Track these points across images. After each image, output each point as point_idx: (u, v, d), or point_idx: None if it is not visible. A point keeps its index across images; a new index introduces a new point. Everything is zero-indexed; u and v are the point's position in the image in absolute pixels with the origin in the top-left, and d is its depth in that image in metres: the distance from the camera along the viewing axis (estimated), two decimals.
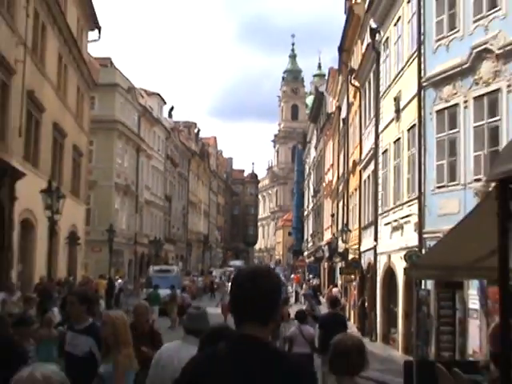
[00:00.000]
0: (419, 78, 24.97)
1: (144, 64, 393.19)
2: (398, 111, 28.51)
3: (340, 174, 51.79)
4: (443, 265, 13.00)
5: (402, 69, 28.28)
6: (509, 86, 19.78)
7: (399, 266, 26.84)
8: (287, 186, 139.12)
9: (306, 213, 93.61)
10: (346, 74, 47.93)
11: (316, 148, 77.58)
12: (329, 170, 62.41)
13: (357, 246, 40.05)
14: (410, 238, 25.87)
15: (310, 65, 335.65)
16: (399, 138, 28.64)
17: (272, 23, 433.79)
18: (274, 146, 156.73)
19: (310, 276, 70.89)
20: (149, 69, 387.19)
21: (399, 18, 29.25)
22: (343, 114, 50.08)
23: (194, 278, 63.34)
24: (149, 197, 72.30)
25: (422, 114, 24.75)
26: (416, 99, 25.39)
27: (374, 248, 33.32)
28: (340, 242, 48.57)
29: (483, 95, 21.16)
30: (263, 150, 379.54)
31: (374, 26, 34.02)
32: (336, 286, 49.55)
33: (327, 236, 62.05)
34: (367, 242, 36.38)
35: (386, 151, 31.49)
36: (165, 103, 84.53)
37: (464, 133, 22.14)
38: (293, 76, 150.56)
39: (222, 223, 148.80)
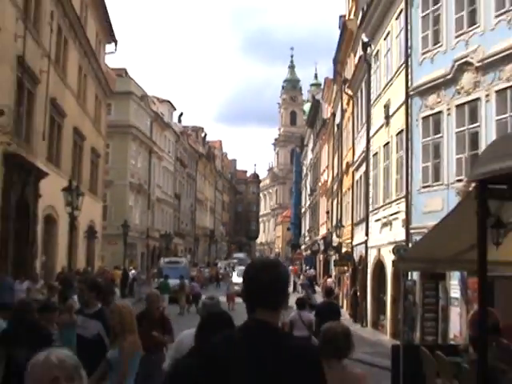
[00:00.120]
0: (406, 87, 25.00)
1: (156, 73, 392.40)
2: (387, 117, 28.52)
3: (334, 175, 51.66)
4: (428, 258, 13.06)
5: (391, 79, 28.31)
6: (487, 95, 19.84)
7: (388, 258, 26.91)
8: (286, 186, 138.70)
9: (303, 210, 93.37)
10: (340, 84, 47.86)
11: (313, 151, 77.38)
12: (324, 170, 62.26)
13: (349, 241, 40.01)
14: (398, 233, 25.92)
15: (308, 75, 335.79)
16: (388, 142, 28.66)
17: (273, 37, 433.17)
18: (275, 149, 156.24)
19: (307, 267, 70.80)
20: (160, 78, 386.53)
21: (388, 33, 29.26)
22: (337, 120, 49.97)
23: (201, 269, 63.21)
24: (160, 195, 72.19)
25: (409, 120, 24.77)
26: (404, 107, 25.41)
27: (365, 242, 33.32)
28: (334, 237, 48.45)
29: (464, 103, 21.23)
30: (264, 152, 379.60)
31: (365, 40, 34.02)
32: (330, 276, 49.54)
33: (322, 231, 61.93)
34: (359, 236, 36.37)
35: (376, 154, 31.47)
36: (175, 109, 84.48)
37: (447, 138, 22.20)
38: (291, 85, 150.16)
39: (227, 219, 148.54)
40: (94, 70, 41.02)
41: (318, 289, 47.12)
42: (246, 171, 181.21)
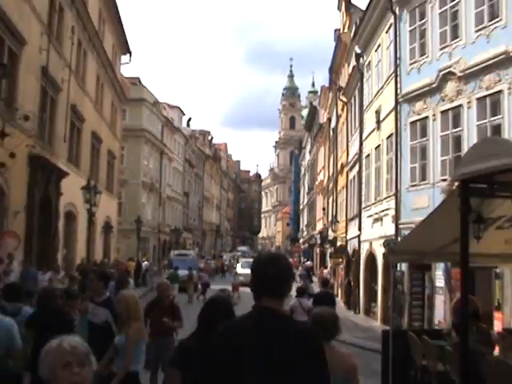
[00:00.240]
0: (396, 94, 25.03)
1: (167, 82, 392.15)
2: (378, 122, 28.53)
3: (330, 175, 51.63)
4: (415, 250, 13.11)
5: (382, 87, 28.35)
6: (469, 102, 19.88)
7: (379, 251, 26.99)
8: (286, 185, 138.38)
9: (301, 207, 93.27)
10: (335, 91, 47.81)
11: (310, 152, 77.30)
12: (321, 171, 62.19)
13: (344, 235, 40.01)
14: (388, 228, 25.96)
15: (305, 83, 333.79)
16: (379, 145, 28.67)
17: (273, 49, 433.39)
18: (275, 151, 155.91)
19: (305, 259, 70.86)
20: (171, 86, 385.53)
21: (379, 45, 29.30)
22: (333, 124, 49.99)
23: (208, 261, 63.14)
24: (170, 193, 72.14)
25: (398, 124, 24.80)
26: (393, 112, 25.42)
27: (358, 236, 33.33)
28: (330, 232, 48.50)
29: (448, 110, 21.27)
30: (266, 153, 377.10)
31: (358, 51, 34.02)
32: (326, 267, 49.59)
33: (319, 226, 61.86)
34: (352, 231, 36.39)
35: (368, 155, 31.51)
36: (184, 114, 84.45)
37: (433, 141, 22.26)
38: (291, 92, 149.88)
39: (231, 215, 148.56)
40: (111, 79, 41.09)
41: (314, 279, 47.00)
42: (249, 171, 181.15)
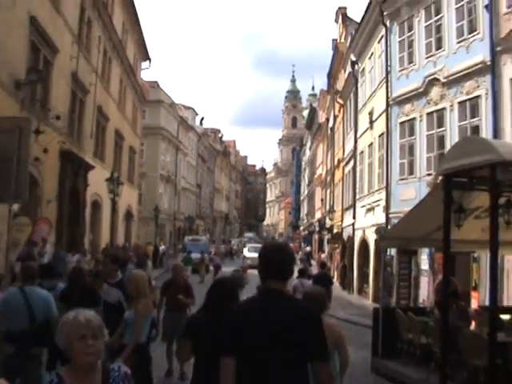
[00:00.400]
0: (387, 98, 25.06)
1: (183, 85, 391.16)
2: (371, 122, 28.55)
3: (328, 169, 51.55)
4: (403, 237, 13.20)
5: (374, 91, 28.36)
6: (451, 105, 19.97)
7: (371, 238, 27.03)
8: (288, 178, 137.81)
9: (302, 197, 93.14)
10: (332, 94, 47.72)
11: (310, 149, 77.16)
12: (319, 165, 62.12)
13: (340, 223, 40.05)
14: (380, 217, 26.03)
15: (306, 87, 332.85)
16: (372, 143, 28.72)
17: (278, 56, 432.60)
18: (279, 147, 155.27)
19: (305, 245, 70.95)
20: (186, 88, 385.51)
21: (372, 53, 29.28)
22: (330, 124, 49.86)
23: (219, 245, 63.16)
24: (184, 184, 72.07)
25: (389, 125, 24.86)
26: (384, 114, 25.48)
27: (353, 224, 33.36)
28: (327, 220, 48.52)
29: (433, 112, 21.36)
30: (270, 150, 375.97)
31: (353, 59, 33.96)
32: (324, 252, 49.58)
33: (318, 215, 61.80)
34: (348, 219, 36.41)
35: (362, 152, 31.52)
36: (197, 114, 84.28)
37: (419, 139, 22.34)
38: (293, 95, 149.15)
39: (239, 205, 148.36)
40: (132, 83, 41.11)
41: (313, 262, 47.07)
42: (255, 165, 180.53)
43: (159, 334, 11.16)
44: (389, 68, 25.13)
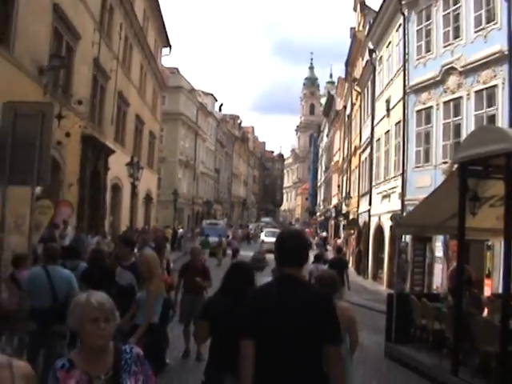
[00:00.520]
0: (404, 86, 24.95)
1: (203, 71, 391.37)
2: (388, 110, 28.46)
3: (345, 156, 51.47)
4: (418, 224, 13.22)
5: (392, 79, 28.21)
6: (468, 94, 19.86)
7: (386, 224, 27.05)
8: (305, 164, 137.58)
9: (318, 184, 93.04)
10: (350, 82, 47.57)
11: (327, 136, 77.02)
12: (336, 152, 61.99)
13: (356, 209, 40.01)
14: (395, 204, 25.98)
15: (324, 74, 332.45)
16: (389, 130, 28.61)
17: (296, 44, 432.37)
18: (296, 134, 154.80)
19: (321, 230, 70.91)
20: (206, 75, 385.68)
21: (390, 42, 29.11)
22: (348, 111, 49.75)
23: (236, 230, 63.27)
24: (203, 169, 72.20)
25: (406, 112, 24.76)
26: (401, 102, 25.35)
27: (369, 211, 33.31)
28: (344, 206, 48.51)
29: (450, 100, 21.27)
30: (288, 136, 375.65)
31: (371, 47, 33.78)
32: (340, 238, 49.59)
33: (334, 201, 61.80)
34: (363, 206, 36.35)
35: (379, 139, 31.41)
36: (216, 100, 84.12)
37: (436, 128, 22.26)
38: (311, 82, 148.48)
39: (257, 190, 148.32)
40: (152, 69, 41.14)
41: (329, 248, 47.15)
42: (273, 151, 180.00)
43: (176, 315, 11.28)
44: (406, 56, 25.00)
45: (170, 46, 45.08)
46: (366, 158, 36.67)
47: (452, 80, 20.95)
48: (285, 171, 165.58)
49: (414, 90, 24.01)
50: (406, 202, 24.18)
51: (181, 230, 48.52)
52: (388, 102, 28.47)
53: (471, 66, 19.61)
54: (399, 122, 26.00)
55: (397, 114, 26.59)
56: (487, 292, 16.22)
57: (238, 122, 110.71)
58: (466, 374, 9.67)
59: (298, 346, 3.91)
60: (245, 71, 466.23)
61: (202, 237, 40.00)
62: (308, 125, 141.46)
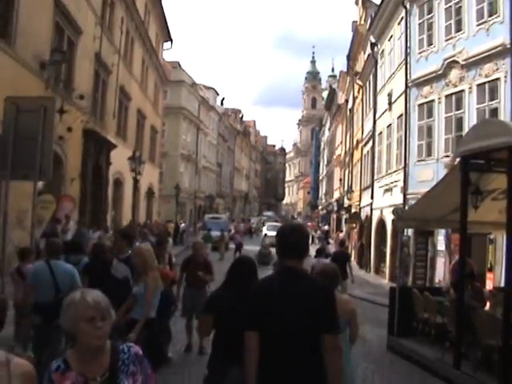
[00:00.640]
0: (406, 80, 24.91)
1: (204, 65, 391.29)
2: (390, 104, 28.41)
3: (346, 149, 51.44)
4: (420, 218, 13.21)
5: (393, 73, 28.17)
6: (470, 88, 19.83)
7: (388, 218, 27.00)
8: (307, 158, 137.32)
9: (320, 177, 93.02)
10: (352, 76, 47.49)
11: (329, 130, 76.95)
12: (338, 146, 61.94)
13: (358, 203, 40.00)
14: (397, 198, 25.96)
15: (326, 68, 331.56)
16: (391, 124, 28.57)
17: (298, 37, 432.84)
18: (298, 128, 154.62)
19: (323, 224, 70.91)
20: (207, 69, 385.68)
21: (391, 35, 29.05)
22: (350, 105, 49.67)
23: (238, 224, 63.25)
24: (205, 163, 72.21)
25: (408, 106, 24.73)
26: (403, 95, 25.31)
27: (371, 204, 33.31)
28: (345, 200, 48.49)
29: (452, 94, 21.23)
30: (290, 130, 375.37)
31: (373, 41, 33.70)
32: (342, 231, 49.59)
33: (336, 195, 61.77)
34: (365, 199, 36.36)
35: (380, 133, 31.39)
36: (218, 95, 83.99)
37: (438, 121, 22.24)
38: (313, 76, 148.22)
39: (259, 184, 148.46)
40: (154, 63, 41.17)
41: (331, 241, 47.15)
42: (274, 145, 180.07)
43: (178, 310, 11.29)
44: (408, 50, 24.95)
45: (172, 40, 45.12)
46: (367, 152, 36.64)
47: (454, 73, 20.91)
48: (287, 165, 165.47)
49: (415, 84, 23.96)
50: (407, 196, 24.16)
51: (183, 224, 48.53)
52: (390, 95, 28.42)
53: (473, 59, 19.57)
54: (401, 115, 25.96)
55: (399, 107, 26.55)
56: (489, 285, 16.21)
57: (240, 116, 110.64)
58: (468, 367, 9.67)
59: (299, 337, 4.00)
60: (246, 65, 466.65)
61: (204, 231, 39.94)
62: (310, 119, 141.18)
